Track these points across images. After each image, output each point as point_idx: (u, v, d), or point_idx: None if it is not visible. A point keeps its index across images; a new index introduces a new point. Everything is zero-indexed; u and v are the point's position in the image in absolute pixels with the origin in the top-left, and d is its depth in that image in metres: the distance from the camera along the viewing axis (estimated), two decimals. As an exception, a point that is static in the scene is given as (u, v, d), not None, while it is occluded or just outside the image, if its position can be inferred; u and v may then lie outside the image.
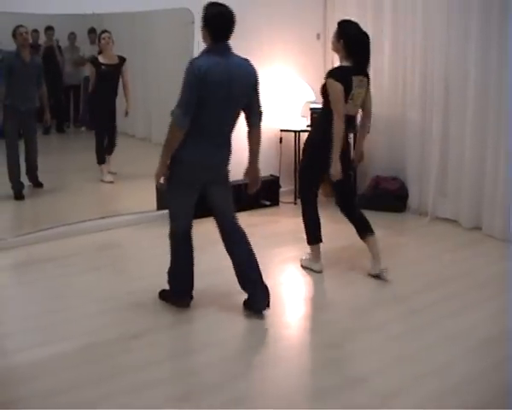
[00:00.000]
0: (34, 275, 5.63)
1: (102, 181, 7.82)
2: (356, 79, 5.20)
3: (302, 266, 5.75)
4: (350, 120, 5.38)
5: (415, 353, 4.21)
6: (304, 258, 5.77)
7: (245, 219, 7.08)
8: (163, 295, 4.97)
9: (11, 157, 7.07)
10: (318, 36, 8.22)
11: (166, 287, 4.93)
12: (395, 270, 5.50)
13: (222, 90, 4.27)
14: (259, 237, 6.24)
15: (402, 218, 7.25)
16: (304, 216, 5.61)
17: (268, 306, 4.74)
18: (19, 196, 7.17)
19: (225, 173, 4.69)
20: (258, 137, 4.63)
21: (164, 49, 7.91)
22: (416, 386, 3.83)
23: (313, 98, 7.73)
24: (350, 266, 5.73)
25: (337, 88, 5.11)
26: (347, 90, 5.16)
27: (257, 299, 4.74)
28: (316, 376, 4.07)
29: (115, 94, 7.78)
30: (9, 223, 6.68)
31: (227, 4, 4.39)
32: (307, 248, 5.68)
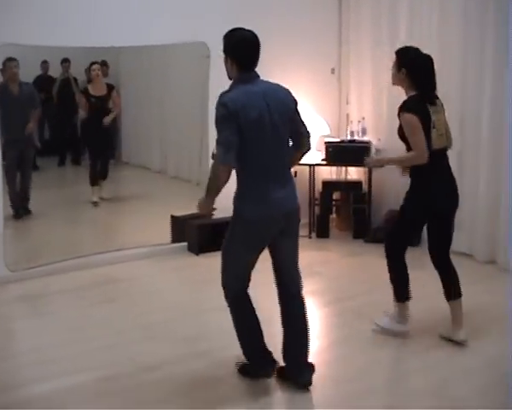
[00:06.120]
0: (49, 307, 5.65)
1: (91, 202, 7.91)
2: (430, 107, 4.63)
3: (382, 328, 5.04)
4: (440, 156, 4.71)
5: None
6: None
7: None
8: (242, 369, 4.36)
9: (11, 188, 7.02)
10: (333, 70, 8.26)
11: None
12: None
13: (264, 122, 3.84)
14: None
15: (420, 252, 6.92)
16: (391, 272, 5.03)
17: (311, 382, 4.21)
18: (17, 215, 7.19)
19: (298, 219, 4.26)
20: (299, 159, 4.30)
21: (180, 82, 7.98)
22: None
23: (328, 132, 7.75)
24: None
25: (412, 120, 4.55)
26: (426, 119, 4.60)
27: (302, 373, 4.22)
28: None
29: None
30: (19, 255, 6.66)
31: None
32: (324, 283, 5.60)
